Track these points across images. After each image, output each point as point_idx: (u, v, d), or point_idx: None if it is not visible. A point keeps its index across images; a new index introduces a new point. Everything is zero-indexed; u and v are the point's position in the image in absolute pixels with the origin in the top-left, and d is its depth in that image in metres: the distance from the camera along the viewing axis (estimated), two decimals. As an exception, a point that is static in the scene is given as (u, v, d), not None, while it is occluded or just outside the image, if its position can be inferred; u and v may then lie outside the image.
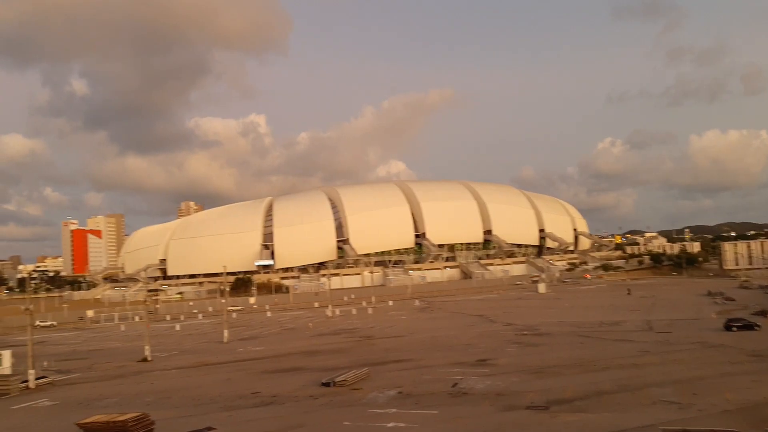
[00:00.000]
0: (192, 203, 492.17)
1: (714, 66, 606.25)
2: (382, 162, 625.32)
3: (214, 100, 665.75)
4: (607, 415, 29.32)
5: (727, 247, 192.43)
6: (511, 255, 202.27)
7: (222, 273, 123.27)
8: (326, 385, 40.42)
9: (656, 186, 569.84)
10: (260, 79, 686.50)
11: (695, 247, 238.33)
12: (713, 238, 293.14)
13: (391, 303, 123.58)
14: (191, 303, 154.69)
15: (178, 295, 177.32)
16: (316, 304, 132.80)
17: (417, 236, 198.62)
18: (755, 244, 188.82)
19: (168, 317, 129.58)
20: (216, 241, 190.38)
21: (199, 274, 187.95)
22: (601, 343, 55.14)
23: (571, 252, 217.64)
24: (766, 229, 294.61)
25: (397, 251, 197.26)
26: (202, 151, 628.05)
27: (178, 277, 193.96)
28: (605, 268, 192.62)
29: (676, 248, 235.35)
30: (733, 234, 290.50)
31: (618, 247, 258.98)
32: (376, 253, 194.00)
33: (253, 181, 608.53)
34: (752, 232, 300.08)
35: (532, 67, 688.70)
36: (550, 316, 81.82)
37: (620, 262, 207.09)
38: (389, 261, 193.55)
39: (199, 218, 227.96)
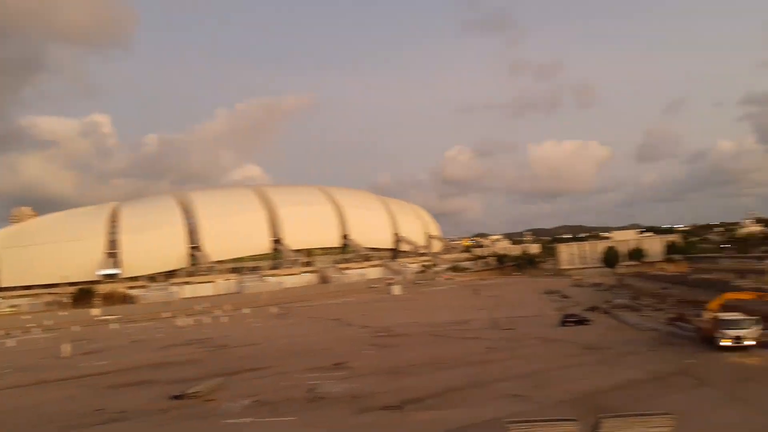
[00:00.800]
0: (26, 209, 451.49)
1: (551, 80, 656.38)
2: (237, 166, 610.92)
3: (51, 98, 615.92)
4: (457, 411, 30.56)
5: (563, 249, 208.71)
6: (367, 259, 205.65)
7: (61, 283, 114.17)
8: (178, 397, 38.61)
9: (501, 191, 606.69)
10: (103, 77, 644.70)
11: (535, 249, 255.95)
12: (551, 240, 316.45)
13: (246, 311, 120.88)
14: (26, 316, 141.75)
15: (12, 309, 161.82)
16: (166, 314, 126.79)
17: (274, 242, 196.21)
18: (586, 245, 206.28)
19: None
20: (54, 250, 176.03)
21: (36, 285, 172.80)
22: (452, 342, 57.50)
23: (424, 255, 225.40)
24: (596, 232, 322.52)
25: (253, 257, 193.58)
26: (38, 153, 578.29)
27: (11, 288, 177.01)
28: (455, 269, 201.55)
29: (518, 250, 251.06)
30: (568, 236, 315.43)
31: (466, 249, 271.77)
32: (231, 260, 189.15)
33: (95, 184, 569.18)
34: (584, 234, 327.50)
35: (387, 76, 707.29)
36: (404, 317, 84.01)
37: (469, 264, 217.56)
38: (245, 267, 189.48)
39: (34, 225, 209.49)
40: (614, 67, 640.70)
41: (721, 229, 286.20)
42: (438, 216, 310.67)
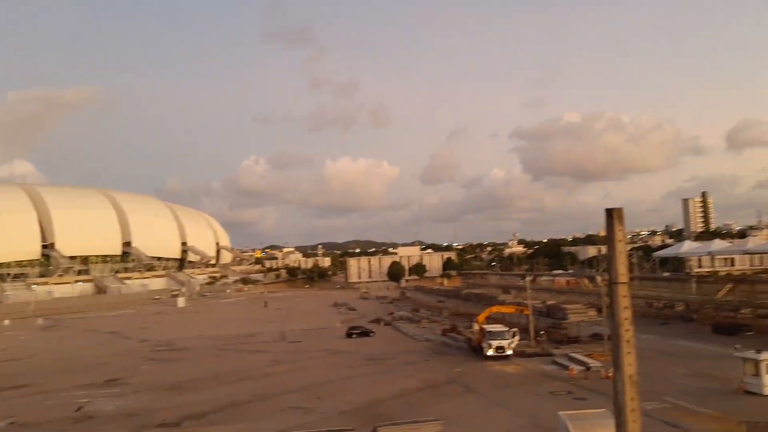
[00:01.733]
0: None
1: (348, 99, 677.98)
2: (4, 161, 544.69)
3: None
4: (239, 426, 30.13)
5: (352, 263, 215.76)
6: (151, 268, 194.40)
7: None
8: None
9: (295, 204, 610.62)
10: None
11: (326, 262, 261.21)
12: (342, 253, 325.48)
13: (7, 322, 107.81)
14: None
15: None
16: None
17: (44, 246, 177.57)
18: (374, 260, 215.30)
19: None
20: None
21: None
22: (238, 355, 56.56)
23: (213, 266, 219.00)
24: (384, 247, 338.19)
25: (19, 263, 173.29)
26: None
27: None
28: (245, 281, 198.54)
29: (310, 263, 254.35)
30: (358, 251, 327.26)
31: (258, 261, 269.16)
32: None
33: None
34: (373, 249, 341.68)
35: (184, 78, 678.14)
36: (189, 330, 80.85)
37: (260, 276, 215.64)
38: (8, 274, 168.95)
39: None
40: (407, 92, 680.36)
41: (491, 248, 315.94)
42: (230, 226, 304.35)
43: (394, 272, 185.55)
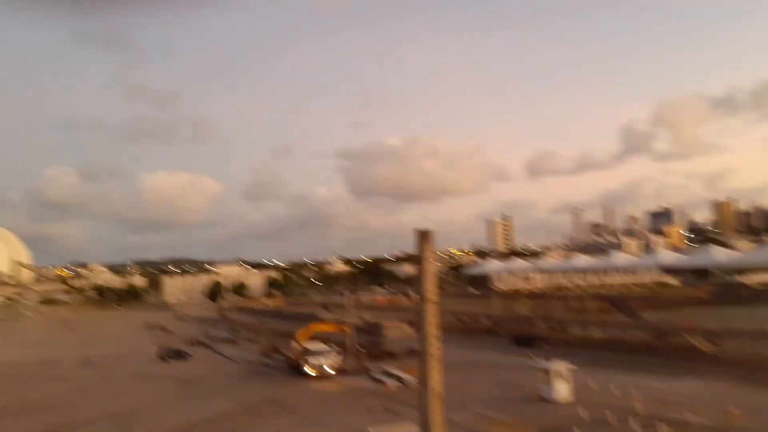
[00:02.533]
0: None
1: (169, 111, 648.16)
2: None
3: None
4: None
5: (168, 281, 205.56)
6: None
7: None
8: None
9: (107, 219, 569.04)
10: None
11: (140, 281, 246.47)
12: (158, 272, 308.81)
13: None
14: None
15: None
16: None
17: None
18: (193, 279, 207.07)
19: None
20: None
21: None
22: (34, 384, 51.41)
23: (10, 285, 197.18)
24: (204, 265, 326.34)
25: None
26: None
27: None
28: (48, 302, 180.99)
29: (122, 282, 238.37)
30: (175, 269, 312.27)
31: (63, 280, 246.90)
32: None
33: None
34: (192, 268, 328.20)
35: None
36: (-26, 359, 71.90)
37: (65, 296, 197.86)
38: None
39: None
40: (231, 106, 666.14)
41: (314, 266, 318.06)
42: (31, 241, 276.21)
43: (214, 291, 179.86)
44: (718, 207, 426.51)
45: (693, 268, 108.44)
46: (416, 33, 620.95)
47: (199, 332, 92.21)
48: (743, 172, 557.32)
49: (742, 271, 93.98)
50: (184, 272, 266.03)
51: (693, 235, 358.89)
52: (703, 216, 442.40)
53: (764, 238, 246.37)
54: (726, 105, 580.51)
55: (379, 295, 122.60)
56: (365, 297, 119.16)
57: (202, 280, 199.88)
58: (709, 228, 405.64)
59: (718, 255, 67.88)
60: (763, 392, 34.67)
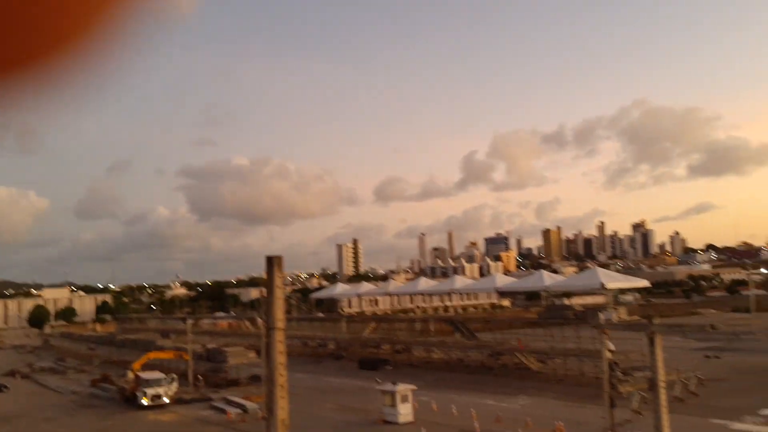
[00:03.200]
0: None
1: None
2: None
3: None
4: None
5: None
6: None
7: None
8: None
9: None
10: None
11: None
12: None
13: None
14: None
15: None
16: None
17: None
18: (12, 303, 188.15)
19: None
20: None
21: None
22: None
23: None
24: (25, 288, 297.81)
25: None
26: None
27: None
28: None
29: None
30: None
31: None
32: None
33: None
34: (12, 291, 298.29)
35: None
36: None
37: None
38: None
39: None
40: (64, 117, 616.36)
41: (152, 290, 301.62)
42: None
43: (37, 317, 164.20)
44: (547, 234, 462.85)
45: (525, 291, 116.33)
46: (268, 54, 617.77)
47: (18, 362, 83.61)
48: (568, 203, 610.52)
49: (567, 294, 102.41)
50: (3, 296, 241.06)
51: (525, 260, 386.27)
52: (534, 242, 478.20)
53: (586, 263, 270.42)
54: (555, 141, 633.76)
55: (223, 320, 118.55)
56: (207, 322, 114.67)
57: (25, 305, 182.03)
58: (539, 254, 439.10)
59: (546, 279, 73.30)
60: (585, 407, 37.57)
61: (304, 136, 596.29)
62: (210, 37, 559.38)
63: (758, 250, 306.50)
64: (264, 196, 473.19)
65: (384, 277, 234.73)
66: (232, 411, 41.58)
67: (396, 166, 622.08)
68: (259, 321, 77.10)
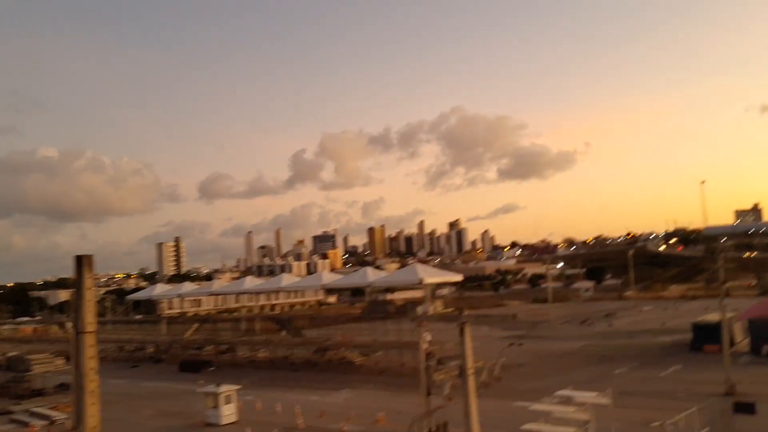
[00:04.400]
0: None
1: None
2: None
3: None
4: None
5: None
6: None
7: None
8: None
9: None
10: None
11: None
12: None
13: None
14: None
15: None
16: None
17: None
18: None
19: None
20: None
21: None
22: None
23: None
24: None
25: None
26: None
27: None
28: None
29: None
30: None
31: None
32: None
33: None
34: None
35: None
36: None
37: None
38: None
39: None
40: None
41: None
42: None
43: None
44: (372, 232, 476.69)
45: (350, 288, 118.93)
46: (80, 38, 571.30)
47: None
48: (392, 202, 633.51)
49: (390, 289, 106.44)
50: None
51: (351, 258, 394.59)
52: (360, 240, 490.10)
53: (407, 260, 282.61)
54: (381, 142, 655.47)
55: (26, 325, 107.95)
56: (8, 328, 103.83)
57: None
58: (364, 251, 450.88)
59: (370, 275, 75.62)
60: (405, 396, 39.41)
61: (121, 128, 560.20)
62: (13, 18, 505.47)
63: (555, 246, 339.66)
64: (75, 190, 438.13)
65: (208, 277, 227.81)
66: (36, 423, 38.22)
67: (223, 162, 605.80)
68: (68, 325, 71.38)
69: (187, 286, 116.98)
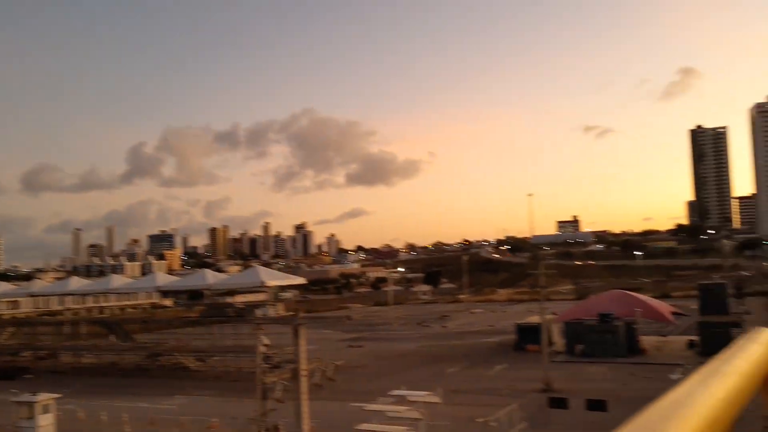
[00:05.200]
0: None
1: None
2: None
3: None
4: None
5: None
6: None
7: None
8: None
9: None
10: None
11: None
12: None
13: None
14: None
15: None
16: None
17: None
18: None
19: None
20: None
21: None
22: None
23: None
24: None
25: None
26: None
27: None
28: None
29: None
30: None
31: None
32: None
33: None
34: None
35: None
36: None
37: None
38: None
39: None
40: None
41: None
42: None
43: None
44: (214, 233, 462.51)
45: (188, 290, 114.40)
46: None
47: None
48: (238, 203, 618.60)
49: (231, 292, 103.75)
50: None
51: (190, 259, 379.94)
52: (200, 241, 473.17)
53: (250, 262, 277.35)
54: (228, 140, 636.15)
55: None
56: None
57: None
58: (205, 252, 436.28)
59: (210, 278, 73.34)
60: (241, 401, 38.65)
61: None
62: None
63: (398, 251, 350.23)
64: None
65: (28, 277, 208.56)
66: None
67: (52, 151, 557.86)
68: None
69: (3, 286, 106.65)
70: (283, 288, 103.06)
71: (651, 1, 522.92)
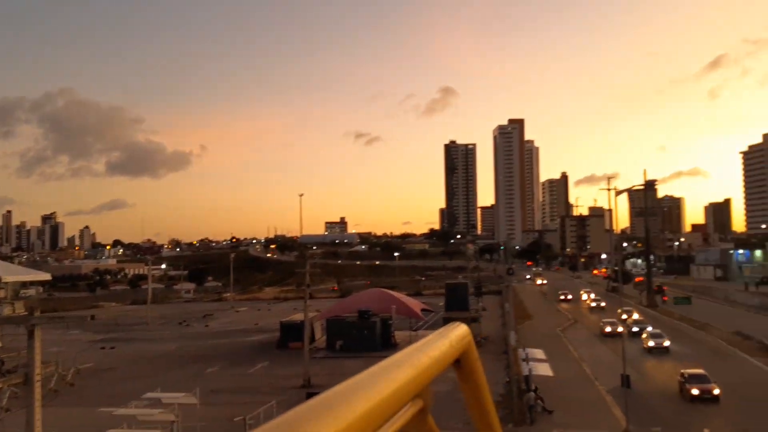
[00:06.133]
0: None
1: None
2: None
3: None
4: None
5: None
6: None
7: None
8: None
9: None
10: None
11: None
12: None
13: None
14: None
15: None
16: None
17: None
18: None
19: None
20: None
21: None
22: None
23: None
24: None
25: None
26: None
27: None
28: None
29: None
30: None
31: None
32: None
33: None
34: None
35: None
36: None
37: None
38: None
39: None
40: None
41: None
42: None
43: None
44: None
45: None
46: None
47: None
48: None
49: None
50: None
51: None
52: None
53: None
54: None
55: None
56: None
57: None
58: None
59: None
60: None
61: None
62: None
63: (161, 247, 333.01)
64: None
65: None
66: None
67: None
68: None
69: None
70: (24, 285, 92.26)
71: (419, 23, 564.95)
